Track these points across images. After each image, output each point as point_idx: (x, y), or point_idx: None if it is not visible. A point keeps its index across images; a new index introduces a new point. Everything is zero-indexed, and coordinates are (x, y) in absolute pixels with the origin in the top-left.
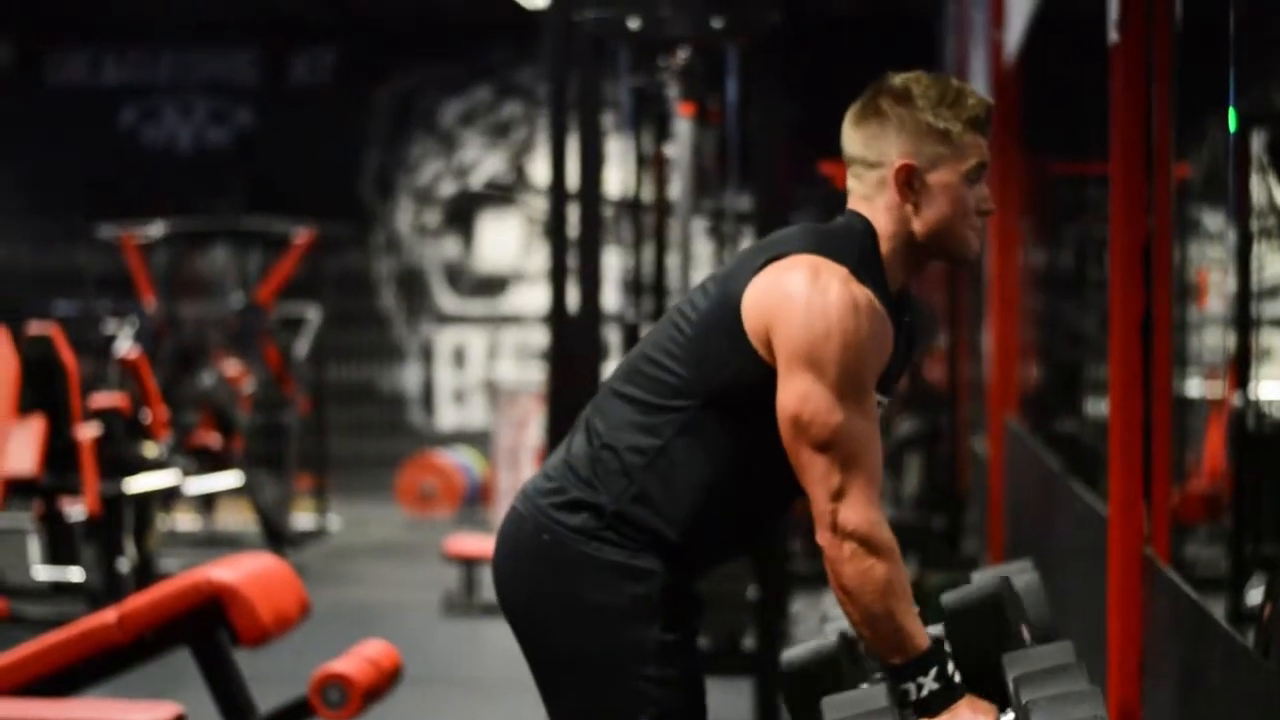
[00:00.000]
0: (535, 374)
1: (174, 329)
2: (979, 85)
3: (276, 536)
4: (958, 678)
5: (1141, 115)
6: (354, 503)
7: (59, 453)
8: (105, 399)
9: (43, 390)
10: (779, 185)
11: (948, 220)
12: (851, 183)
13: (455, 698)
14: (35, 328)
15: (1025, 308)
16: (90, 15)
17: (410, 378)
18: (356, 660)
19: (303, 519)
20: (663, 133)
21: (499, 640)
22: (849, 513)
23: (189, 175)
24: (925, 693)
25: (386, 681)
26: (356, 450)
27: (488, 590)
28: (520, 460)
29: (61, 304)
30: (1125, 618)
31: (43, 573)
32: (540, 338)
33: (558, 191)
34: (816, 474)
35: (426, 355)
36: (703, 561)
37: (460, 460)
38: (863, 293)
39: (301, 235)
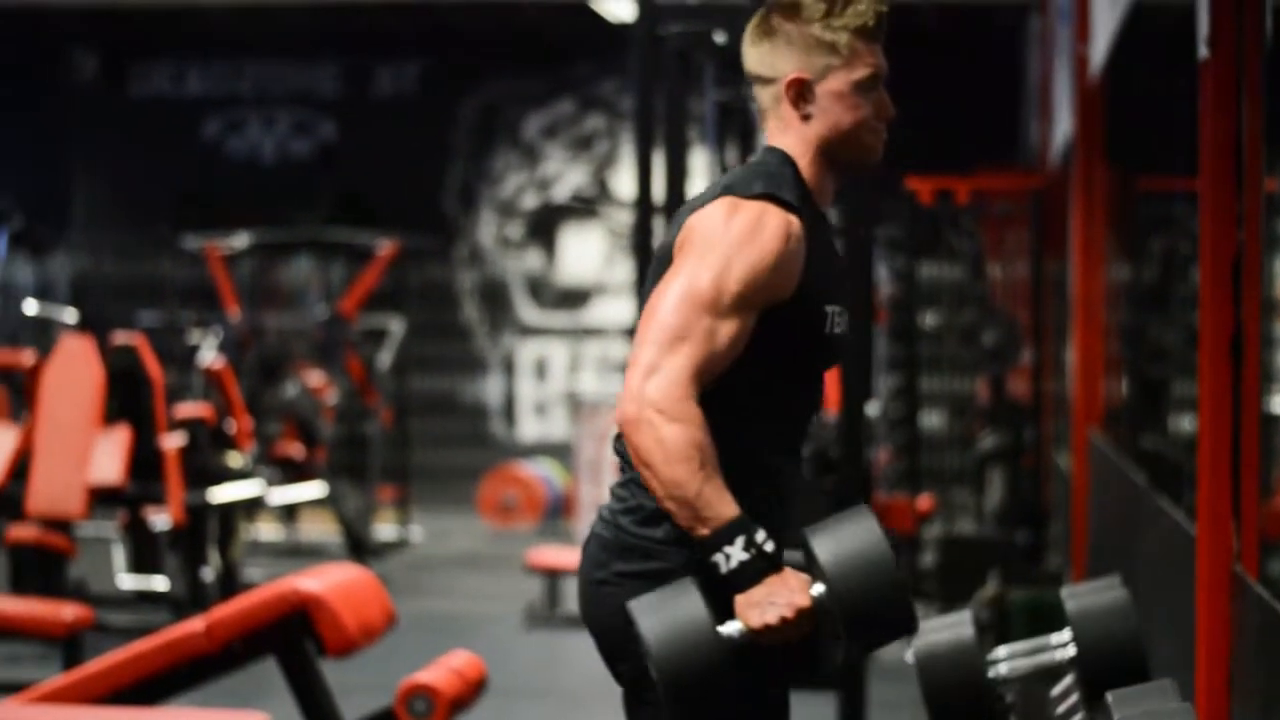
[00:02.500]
0: (617, 387)
1: (258, 340)
2: (1063, 101)
3: (359, 547)
4: (769, 547)
5: (1232, 130)
6: (436, 514)
7: (144, 462)
8: (190, 409)
9: (128, 400)
10: (865, 198)
11: (846, 129)
12: (758, 104)
13: (538, 709)
14: (121, 338)
15: (1109, 322)
16: (175, 27)
17: (492, 389)
18: (442, 671)
19: (385, 530)
20: (746, 146)
21: (581, 652)
22: (654, 385)
23: (273, 187)
24: (734, 563)
25: (472, 693)
26: (438, 461)
27: (570, 602)
28: (601, 473)
29: (146, 314)
30: (1213, 635)
31: (127, 582)
32: (622, 350)
33: (644, 204)
34: (639, 358)
35: (508, 367)
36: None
37: (542, 472)
38: (775, 217)
39: (385, 247)
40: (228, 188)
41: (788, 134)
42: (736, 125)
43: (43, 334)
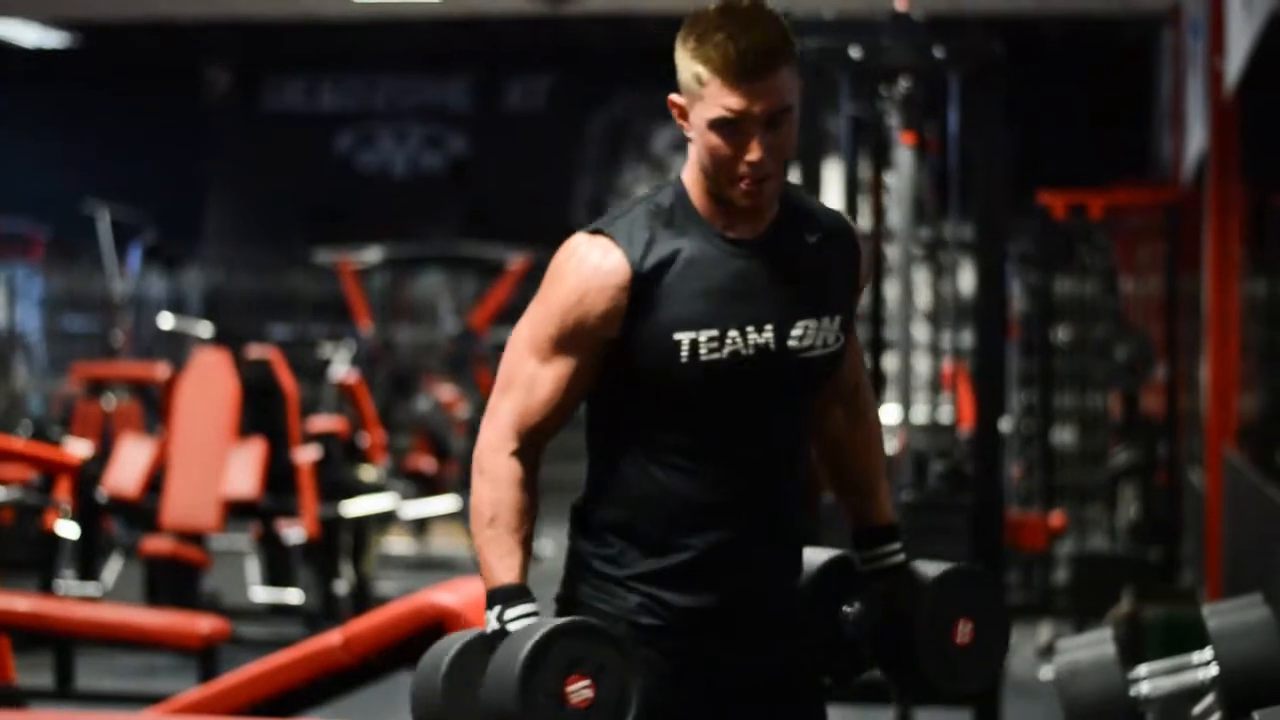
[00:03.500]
0: None
1: (390, 354)
2: (1196, 114)
3: None
4: (513, 626)
5: None
6: (564, 527)
7: (278, 476)
8: (323, 423)
9: (262, 413)
10: (998, 214)
11: (707, 166)
12: None
13: None
14: (255, 352)
15: (1244, 338)
16: (308, 43)
17: None
18: None
19: None
20: (880, 161)
21: None
22: (482, 433)
23: (404, 201)
24: (489, 631)
25: None
26: (566, 475)
27: None
28: None
29: (278, 329)
30: None
31: (261, 594)
32: None
33: None
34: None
35: None
36: None
37: None
38: (584, 253)
39: (516, 261)
40: (359, 202)
41: (691, 152)
42: (869, 139)
43: (176, 348)
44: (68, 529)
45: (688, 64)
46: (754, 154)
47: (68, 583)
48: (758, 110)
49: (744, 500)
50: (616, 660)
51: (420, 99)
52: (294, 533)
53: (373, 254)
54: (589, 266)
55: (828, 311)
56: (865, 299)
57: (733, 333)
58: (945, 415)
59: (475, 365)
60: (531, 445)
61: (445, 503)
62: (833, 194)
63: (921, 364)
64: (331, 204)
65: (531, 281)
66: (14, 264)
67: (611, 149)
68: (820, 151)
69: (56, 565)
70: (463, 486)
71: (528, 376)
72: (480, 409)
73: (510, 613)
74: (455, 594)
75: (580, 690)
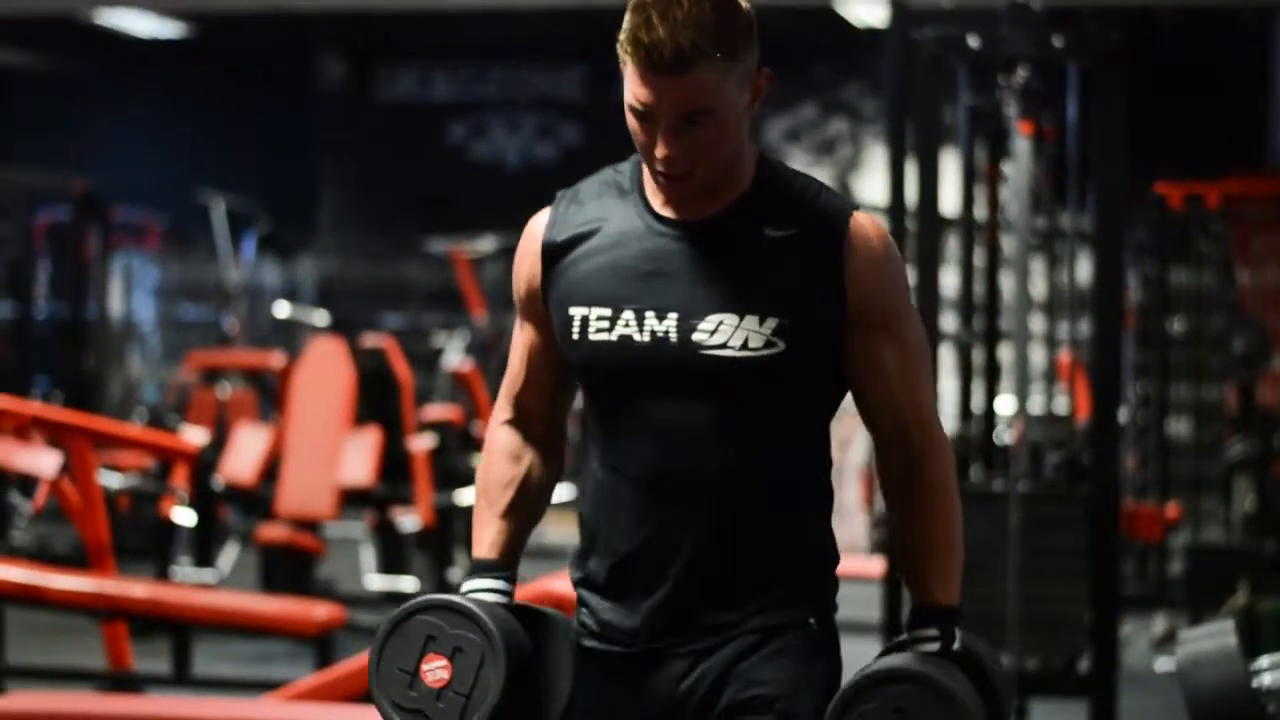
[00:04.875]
0: None
1: (503, 343)
2: None
3: None
4: (490, 597)
5: None
6: None
7: (393, 464)
8: (438, 411)
9: (377, 402)
10: (1114, 204)
11: (637, 147)
12: None
13: None
14: (370, 340)
15: None
16: (421, 32)
17: None
18: None
19: None
20: (997, 151)
21: (851, 658)
22: None
23: (516, 191)
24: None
25: None
26: None
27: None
28: (844, 478)
29: (391, 317)
30: None
31: (375, 582)
32: None
33: (896, 211)
34: None
35: None
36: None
37: None
38: (533, 223)
39: None
40: (472, 191)
41: None
42: (986, 129)
43: (290, 336)
44: (184, 516)
45: (621, 40)
46: (661, 150)
47: (184, 569)
48: (664, 107)
49: (663, 522)
50: (476, 643)
51: (534, 89)
52: (408, 520)
53: (486, 243)
54: (526, 232)
55: (758, 311)
56: (980, 289)
57: (627, 314)
58: (1061, 406)
59: None
60: (523, 415)
61: (558, 490)
62: (950, 184)
63: (1037, 355)
64: (445, 193)
65: None
66: (130, 253)
67: None
68: (938, 142)
69: (173, 552)
70: (573, 474)
71: (514, 345)
72: None
73: (467, 585)
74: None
75: (435, 670)
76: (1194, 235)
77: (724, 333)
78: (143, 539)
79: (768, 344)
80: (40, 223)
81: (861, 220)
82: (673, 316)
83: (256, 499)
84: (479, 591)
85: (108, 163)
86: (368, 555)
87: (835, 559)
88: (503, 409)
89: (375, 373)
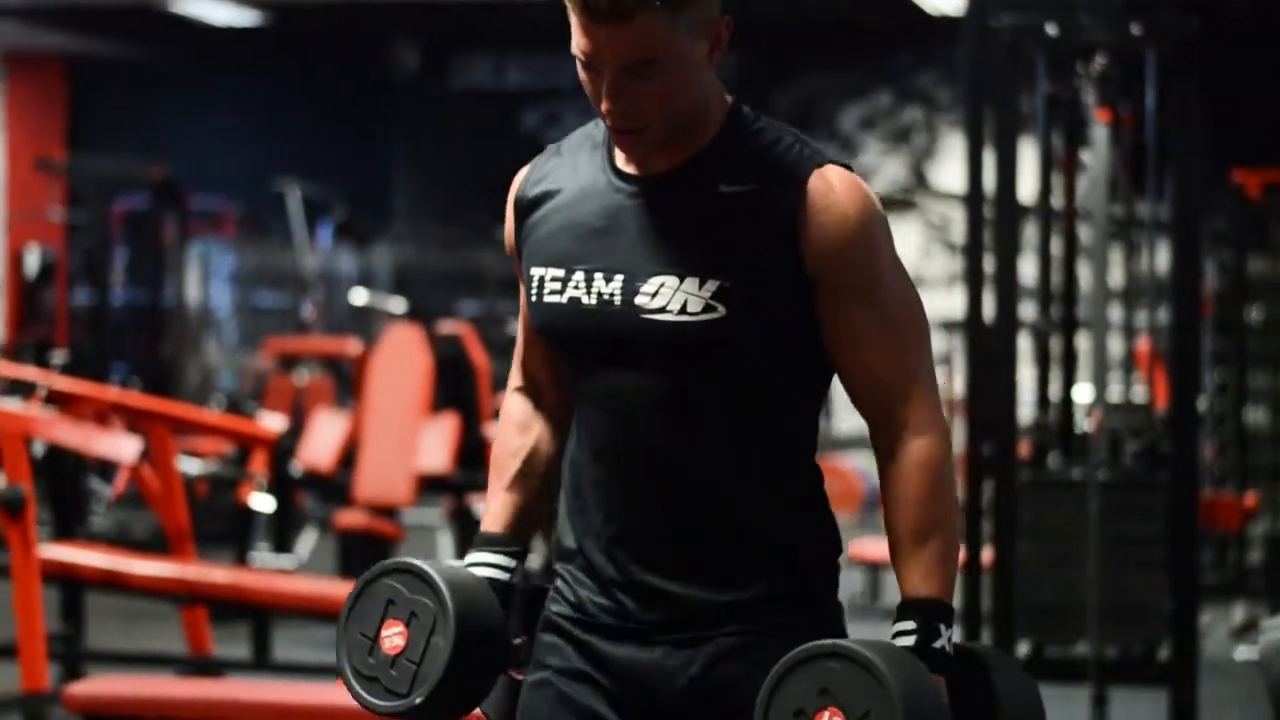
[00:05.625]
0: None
1: None
2: None
3: None
4: (484, 571)
5: None
6: None
7: (470, 450)
8: None
9: (454, 389)
10: (1192, 192)
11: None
12: None
13: None
14: (447, 327)
15: None
16: (495, 20)
17: None
18: None
19: None
20: (1075, 139)
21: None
22: None
23: None
24: None
25: None
26: None
27: (892, 593)
28: None
29: (466, 305)
30: None
31: None
32: (938, 344)
33: (974, 199)
34: None
35: None
36: None
37: (858, 465)
38: (516, 177)
39: None
40: None
41: None
42: (1064, 117)
43: (366, 323)
44: (262, 502)
45: None
46: (606, 103)
47: (262, 555)
48: (606, 58)
49: (620, 498)
50: (430, 609)
51: None
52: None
53: None
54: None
55: (698, 273)
56: (1057, 277)
57: (578, 274)
58: (1139, 395)
59: None
60: (532, 383)
61: None
62: (1027, 172)
63: (1115, 343)
64: None
65: None
66: (206, 240)
67: (799, 126)
68: (1015, 130)
69: (251, 538)
70: None
71: (520, 308)
72: None
73: (466, 559)
74: None
75: (392, 636)
76: (1271, 223)
77: (664, 295)
78: (221, 525)
79: (706, 308)
80: (118, 210)
81: (830, 175)
82: (619, 278)
83: (334, 485)
84: (476, 565)
85: (185, 150)
86: (445, 541)
87: (821, 549)
88: (514, 376)
89: (452, 359)
